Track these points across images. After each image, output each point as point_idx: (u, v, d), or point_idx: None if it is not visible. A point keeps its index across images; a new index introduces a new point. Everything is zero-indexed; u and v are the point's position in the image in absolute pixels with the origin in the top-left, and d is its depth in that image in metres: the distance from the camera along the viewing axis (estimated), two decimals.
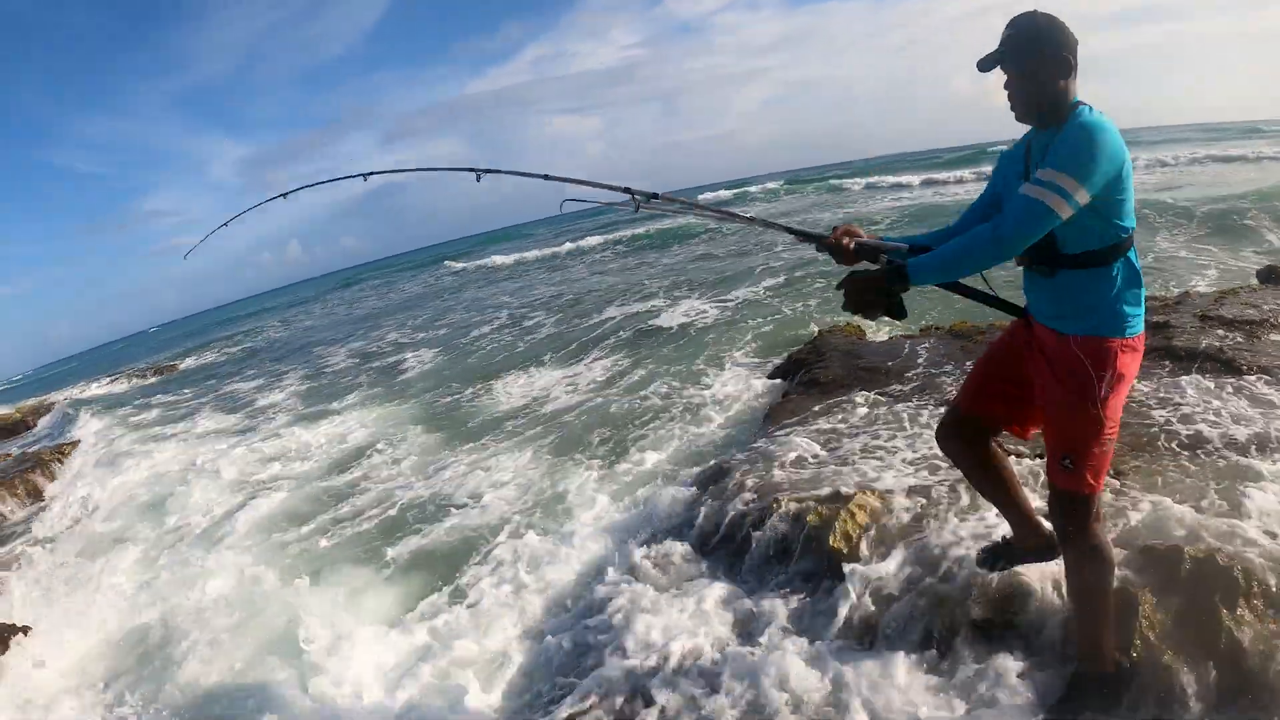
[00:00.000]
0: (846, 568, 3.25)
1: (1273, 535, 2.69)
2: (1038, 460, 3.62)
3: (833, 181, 41.84)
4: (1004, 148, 2.38)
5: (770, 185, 49.77)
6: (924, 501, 3.53)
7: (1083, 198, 1.92)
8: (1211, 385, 4.30)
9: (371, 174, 3.63)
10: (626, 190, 2.85)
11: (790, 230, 2.67)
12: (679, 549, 4.04)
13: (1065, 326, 2.12)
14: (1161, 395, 4.26)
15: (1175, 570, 2.54)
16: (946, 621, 2.81)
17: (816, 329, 8.64)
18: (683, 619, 3.38)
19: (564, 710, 3.06)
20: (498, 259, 37.29)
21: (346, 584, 5.28)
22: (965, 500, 3.46)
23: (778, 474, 4.32)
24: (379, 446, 8.75)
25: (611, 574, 4.02)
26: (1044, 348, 2.20)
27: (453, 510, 6.21)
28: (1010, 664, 2.57)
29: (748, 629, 3.25)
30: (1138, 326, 2.10)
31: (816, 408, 5.47)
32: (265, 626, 4.83)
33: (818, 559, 3.46)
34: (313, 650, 4.30)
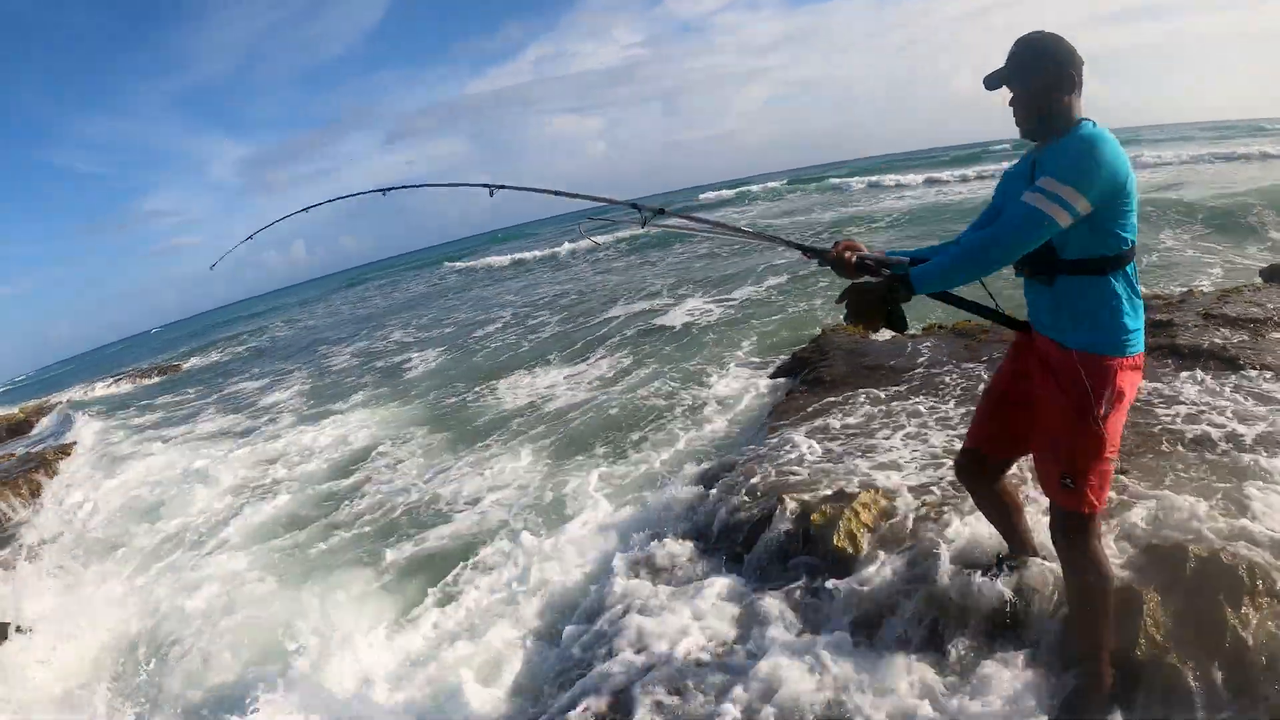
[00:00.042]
0: (850, 567, 3.25)
1: (1278, 533, 2.68)
2: None
3: (835, 181, 41.82)
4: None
5: (772, 184, 49.75)
6: (928, 500, 3.53)
7: (1083, 207, 1.95)
8: (1215, 383, 4.30)
9: (390, 189, 3.80)
10: (634, 206, 2.94)
11: (793, 245, 2.70)
12: (682, 548, 4.04)
13: (1066, 338, 2.14)
14: (1165, 393, 4.26)
15: (1180, 569, 2.53)
16: (948, 621, 2.80)
17: (820, 328, 8.64)
18: (684, 618, 3.37)
19: (565, 710, 3.06)
20: (502, 259, 37.29)
21: (346, 586, 5.28)
22: (969, 500, 3.46)
23: (781, 473, 4.31)
24: (382, 449, 8.76)
25: (613, 573, 4.00)
26: (1046, 359, 2.21)
27: (454, 512, 6.22)
28: (1011, 664, 2.56)
29: (750, 628, 3.24)
30: (1138, 345, 2.12)
31: (820, 406, 5.47)
32: (264, 629, 4.83)
33: (821, 558, 3.45)
34: (312, 652, 4.30)
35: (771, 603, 3.28)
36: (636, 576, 3.91)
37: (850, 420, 5.02)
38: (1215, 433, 3.67)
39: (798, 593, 3.31)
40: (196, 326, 66.68)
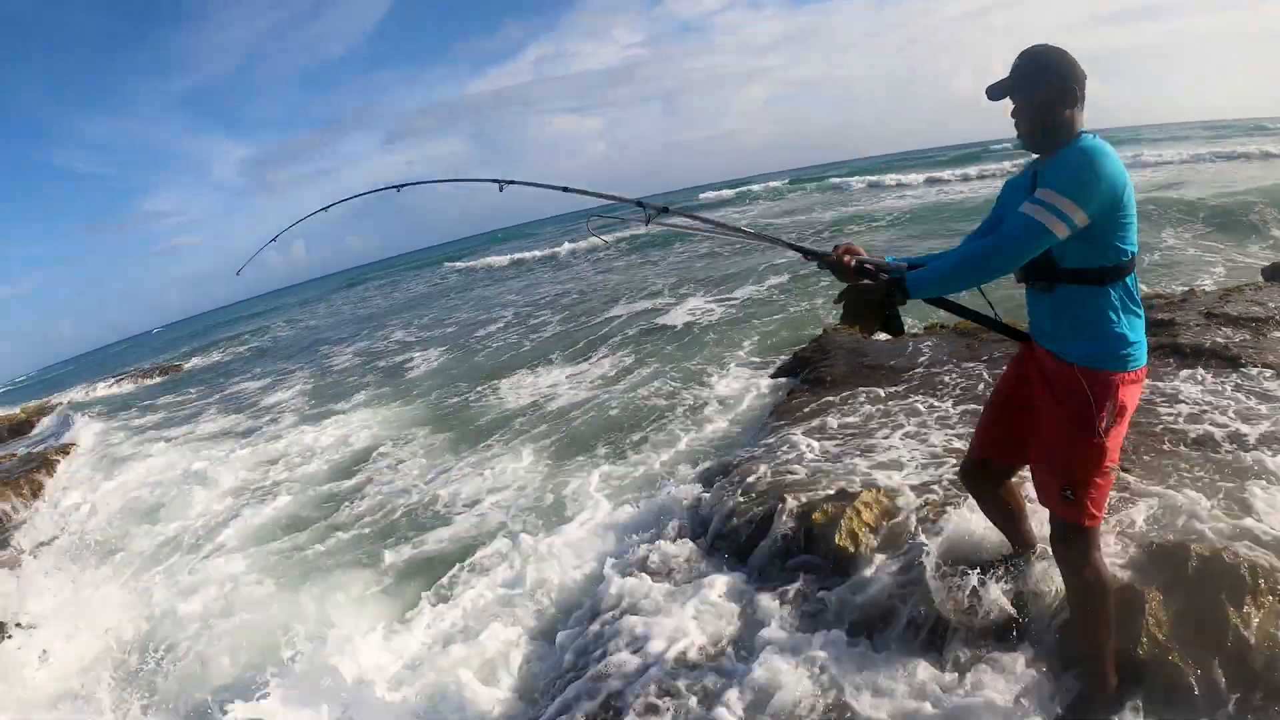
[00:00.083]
0: (851, 566, 3.25)
1: None
2: None
3: (835, 180, 41.82)
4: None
5: (774, 184, 49.74)
6: (930, 500, 3.52)
7: (1080, 219, 1.96)
8: (1217, 382, 4.29)
9: (405, 185, 3.84)
10: (639, 204, 2.97)
11: (793, 247, 2.71)
12: (683, 548, 4.03)
13: (1066, 348, 2.15)
14: (1167, 392, 4.25)
15: (1182, 568, 2.52)
16: (949, 621, 2.80)
17: (822, 328, 8.64)
18: (685, 617, 3.36)
19: (565, 710, 3.06)
20: (502, 258, 37.29)
21: (345, 588, 5.28)
22: (970, 499, 3.45)
23: (782, 472, 4.31)
24: (383, 449, 8.76)
25: (614, 573, 4.00)
26: (1044, 369, 2.22)
27: (454, 513, 6.22)
28: (1012, 664, 2.56)
29: (751, 627, 3.24)
30: (1140, 359, 2.12)
31: (821, 406, 5.47)
32: (262, 631, 4.83)
33: (823, 557, 3.45)
34: (311, 653, 4.30)
35: (773, 602, 3.27)
36: (638, 576, 3.90)
37: (851, 420, 5.02)
38: (1217, 432, 3.66)
39: (799, 592, 3.31)
40: (198, 326, 66.78)
